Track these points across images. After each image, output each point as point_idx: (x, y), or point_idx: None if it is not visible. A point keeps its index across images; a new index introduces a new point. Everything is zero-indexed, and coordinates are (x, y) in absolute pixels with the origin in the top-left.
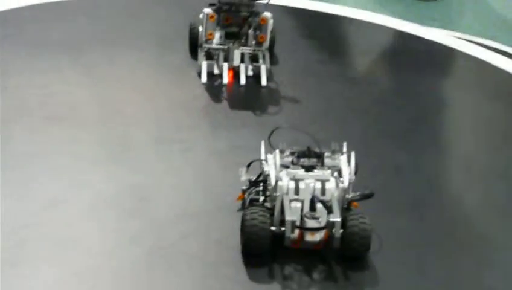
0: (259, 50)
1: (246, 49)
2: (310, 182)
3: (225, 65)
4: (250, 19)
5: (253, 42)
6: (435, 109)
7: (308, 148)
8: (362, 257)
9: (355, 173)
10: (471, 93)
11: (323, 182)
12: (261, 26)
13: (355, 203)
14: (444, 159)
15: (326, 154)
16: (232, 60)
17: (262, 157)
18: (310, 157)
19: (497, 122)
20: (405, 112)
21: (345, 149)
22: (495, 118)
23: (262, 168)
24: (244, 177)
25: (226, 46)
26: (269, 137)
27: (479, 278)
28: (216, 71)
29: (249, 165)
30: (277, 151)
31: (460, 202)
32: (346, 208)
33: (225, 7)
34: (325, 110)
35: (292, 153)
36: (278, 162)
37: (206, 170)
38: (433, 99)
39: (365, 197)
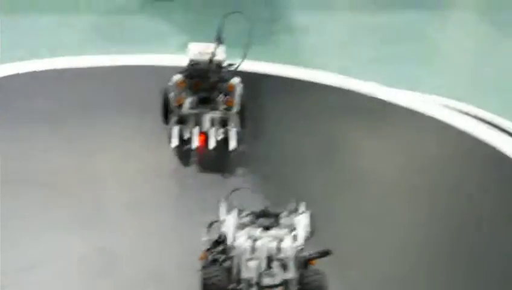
0: (229, 114)
1: (216, 114)
2: (266, 241)
3: (195, 130)
4: (219, 85)
5: (223, 107)
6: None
7: (265, 209)
8: None
9: (312, 232)
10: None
11: (279, 241)
12: (229, 91)
13: (312, 262)
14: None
15: (282, 214)
16: (202, 124)
17: (221, 218)
18: (267, 217)
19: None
20: (366, 169)
21: (302, 209)
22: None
23: (221, 229)
24: (206, 237)
25: (196, 111)
26: (227, 198)
27: None
28: (187, 135)
29: (210, 226)
30: (234, 212)
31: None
32: (303, 265)
33: (195, 73)
34: (289, 173)
35: (250, 214)
36: (235, 222)
37: (175, 231)
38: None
39: (322, 255)
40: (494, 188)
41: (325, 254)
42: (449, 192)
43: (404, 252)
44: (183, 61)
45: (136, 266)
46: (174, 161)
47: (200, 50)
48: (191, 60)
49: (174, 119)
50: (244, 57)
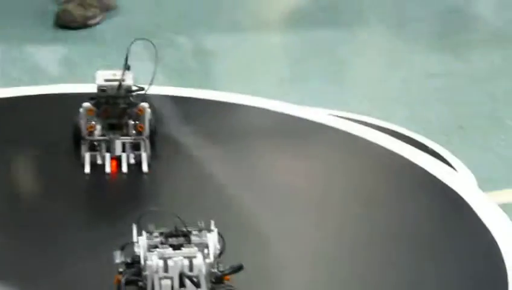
0: (139, 139)
1: (127, 139)
2: (178, 259)
3: (107, 155)
4: (128, 110)
5: (134, 132)
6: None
7: (176, 228)
8: None
9: (222, 248)
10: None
11: (190, 258)
12: (139, 116)
13: (227, 277)
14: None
15: (193, 232)
16: (114, 150)
17: (134, 239)
18: (177, 236)
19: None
20: (284, 187)
21: (212, 226)
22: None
23: (134, 251)
24: (119, 259)
25: (107, 138)
26: (138, 221)
27: None
28: (99, 161)
29: (122, 249)
30: (144, 233)
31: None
32: (217, 281)
33: (103, 100)
34: (200, 192)
35: (161, 234)
36: (145, 243)
37: (90, 256)
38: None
39: (235, 270)
40: (405, 192)
41: (238, 269)
42: (365, 201)
43: (321, 268)
44: (91, 88)
45: None
46: (86, 187)
47: (107, 76)
48: (99, 87)
49: (85, 146)
50: (151, 81)
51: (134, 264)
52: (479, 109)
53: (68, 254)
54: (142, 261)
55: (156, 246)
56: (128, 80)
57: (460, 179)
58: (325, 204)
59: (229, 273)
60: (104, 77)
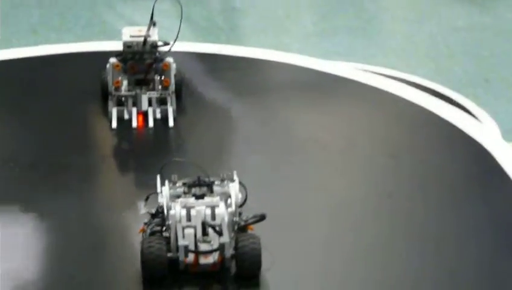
0: (165, 94)
1: (153, 94)
2: (201, 209)
3: (134, 110)
4: (154, 65)
5: (160, 87)
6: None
7: (198, 178)
8: (255, 275)
9: (245, 198)
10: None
11: (212, 208)
12: (164, 71)
13: (250, 227)
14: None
15: (216, 182)
16: (140, 105)
17: (158, 190)
18: (200, 186)
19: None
20: (308, 144)
21: (234, 177)
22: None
23: (158, 201)
24: (144, 210)
25: (133, 93)
26: (161, 171)
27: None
28: (126, 116)
29: (147, 199)
30: (167, 183)
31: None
32: (240, 230)
33: (129, 56)
34: (225, 146)
35: (184, 184)
36: (168, 193)
37: (115, 206)
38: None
39: (258, 220)
40: (430, 144)
41: (261, 218)
42: (390, 153)
43: (342, 216)
44: (118, 45)
45: (78, 240)
46: (113, 141)
47: (133, 33)
48: (125, 43)
49: (112, 101)
50: (177, 36)
51: (159, 214)
52: (504, 61)
53: (96, 204)
54: (165, 211)
55: (179, 196)
56: (154, 36)
57: (485, 131)
58: (350, 155)
59: (252, 223)
60: (130, 33)
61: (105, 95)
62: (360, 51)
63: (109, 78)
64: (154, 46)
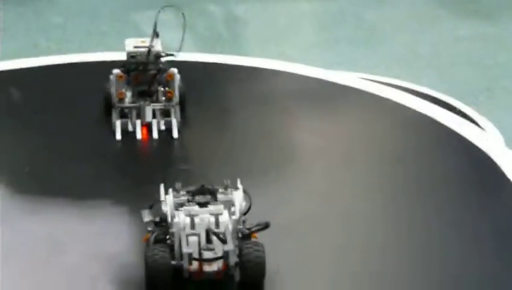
0: (169, 105)
1: (157, 106)
2: (205, 217)
3: (138, 122)
4: (158, 76)
5: (163, 98)
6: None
7: (202, 186)
8: (260, 282)
9: (249, 206)
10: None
11: (216, 215)
12: (168, 83)
13: (254, 235)
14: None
15: (219, 190)
16: (144, 116)
17: (162, 198)
18: (204, 194)
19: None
20: (315, 152)
21: (238, 185)
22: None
23: (162, 209)
24: (147, 218)
25: (137, 104)
26: (164, 178)
27: None
28: (130, 128)
29: (151, 207)
30: (170, 191)
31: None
32: (243, 238)
33: (133, 66)
34: (228, 156)
35: (187, 192)
36: (172, 201)
37: (119, 215)
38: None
39: (262, 228)
40: (434, 151)
41: (264, 226)
42: (393, 160)
43: (346, 223)
44: (121, 56)
45: (81, 250)
46: (118, 152)
47: (136, 44)
48: (129, 54)
49: (115, 113)
50: (180, 47)
51: (163, 222)
52: (507, 71)
53: (100, 214)
54: (169, 219)
55: (183, 204)
56: (157, 46)
57: (488, 139)
58: (353, 163)
59: (256, 231)
60: (134, 44)
61: (108, 107)
62: (363, 61)
63: (113, 90)
64: (158, 56)
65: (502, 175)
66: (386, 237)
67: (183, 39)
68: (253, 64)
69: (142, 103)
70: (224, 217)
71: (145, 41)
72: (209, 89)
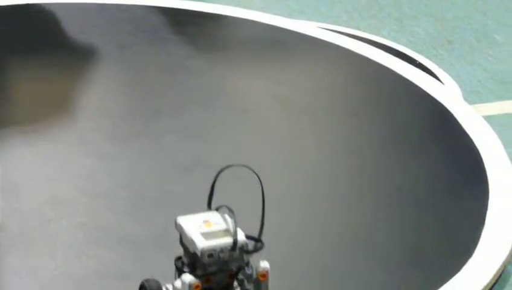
0: None
1: None
2: None
3: None
4: (240, 274)
5: None
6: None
7: None
8: None
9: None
10: (336, 79)
11: None
12: (260, 283)
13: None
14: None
15: None
16: None
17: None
18: None
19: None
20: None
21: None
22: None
23: None
24: None
25: None
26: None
27: None
28: None
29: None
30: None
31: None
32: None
33: (213, 269)
34: (185, 105)
35: None
36: None
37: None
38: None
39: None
40: (392, 103)
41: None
42: (353, 111)
43: (308, 175)
44: None
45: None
46: None
47: (201, 228)
48: (203, 251)
49: None
50: (260, 232)
51: None
52: (468, 24)
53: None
54: None
55: None
56: (240, 234)
57: (446, 91)
58: (313, 113)
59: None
60: (196, 228)
61: None
62: (325, 10)
63: None
64: (245, 250)
65: (459, 127)
66: (349, 189)
67: (262, 224)
68: (214, 10)
69: None
70: None
71: (212, 222)
72: (166, 33)
